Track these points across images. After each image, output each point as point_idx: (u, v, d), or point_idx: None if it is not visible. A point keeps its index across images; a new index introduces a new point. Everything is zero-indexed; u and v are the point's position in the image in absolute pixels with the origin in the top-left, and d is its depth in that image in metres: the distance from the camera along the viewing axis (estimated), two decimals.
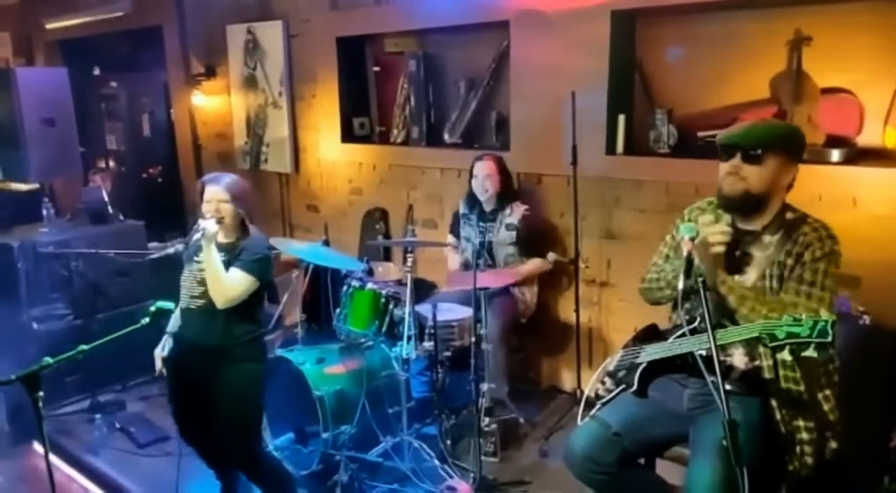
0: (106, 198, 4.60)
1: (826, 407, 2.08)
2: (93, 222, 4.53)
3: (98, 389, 4.19)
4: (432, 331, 3.39)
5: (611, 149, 3.84)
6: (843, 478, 2.17)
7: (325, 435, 3.25)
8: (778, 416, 2.06)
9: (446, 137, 4.61)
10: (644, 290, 2.35)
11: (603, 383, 2.39)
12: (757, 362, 2.07)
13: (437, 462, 3.32)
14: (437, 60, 4.69)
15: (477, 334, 3.33)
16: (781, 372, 2.05)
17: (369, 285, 3.47)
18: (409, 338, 3.24)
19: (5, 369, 2.45)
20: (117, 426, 3.98)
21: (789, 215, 2.11)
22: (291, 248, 3.69)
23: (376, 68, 5.01)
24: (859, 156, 3.22)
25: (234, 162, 5.90)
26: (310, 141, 5.43)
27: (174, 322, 2.91)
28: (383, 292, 3.43)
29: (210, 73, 6.00)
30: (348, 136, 5.11)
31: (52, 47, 7.81)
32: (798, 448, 2.07)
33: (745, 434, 1.72)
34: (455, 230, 4.05)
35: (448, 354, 3.52)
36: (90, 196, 4.64)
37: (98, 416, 3.98)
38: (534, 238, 3.84)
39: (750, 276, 2.07)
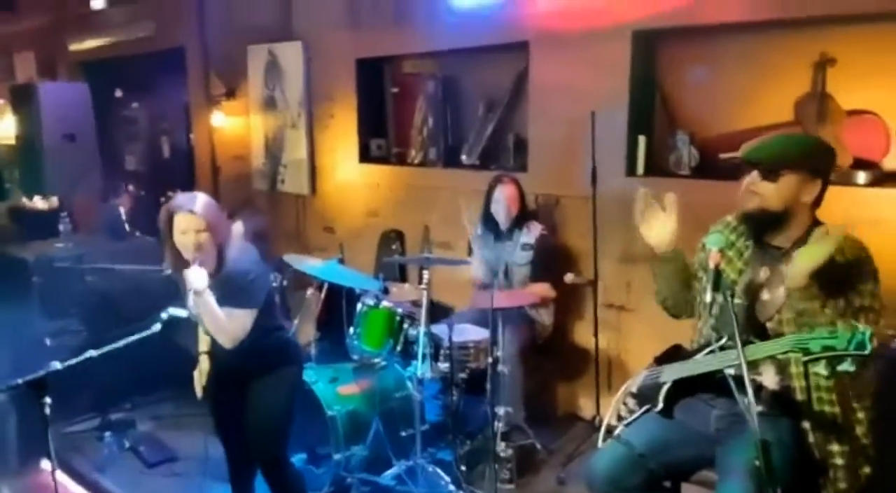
0: (123, 215, 4.61)
1: (859, 431, 1.99)
2: (109, 238, 4.54)
3: (109, 407, 4.15)
4: (448, 352, 3.33)
5: (631, 170, 3.80)
6: None
7: (337, 457, 3.18)
8: (811, 439, 1.97)
9: (464, 158, 4.59)
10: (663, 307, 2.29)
11: (625, 404, 2.31)
12: (788, 383, 1.98)
13: (451, 488, 3.22)
14: (456, 82, 4.69)
15: (493, 355, 3.26)
16: (815, 394, 1.96)
17: (384, 304, 3.42)
18: (423, 357, 3.17)
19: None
20: (126, 444, 3.92)
21: (819, 231, 2.04)
22: (307, 265, 3.65)
23: (395, 89, 5.02)
24: (886, 178, 3.16)
25: (251, 183, 5.91)
26: (327, 162, 5.43)
27: (202, 341, 2.70)
28: (398, 310, 3.38)
29: (230, 94, 6.05)
30: (366, 156, 5.11)
31: (74, 68, 7.93)
32: (832, 473, 1.98)
33: (776, 458, 1.64)
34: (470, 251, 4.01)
35: (464, 376, 3.44)
36: (108, 213, 4.65)
37: (108, 434, 3.93)
38: (549, 259, 3.78)
39: (779, 292, 2.00)
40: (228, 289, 2.50)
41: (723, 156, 3.56)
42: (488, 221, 3.87)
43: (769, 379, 2.00)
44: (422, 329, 3.14)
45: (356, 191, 5.25)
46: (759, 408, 1.77)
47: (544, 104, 4.07)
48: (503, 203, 3.77)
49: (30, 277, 4.19)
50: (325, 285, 4.24)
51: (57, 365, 1.95)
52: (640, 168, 3.81)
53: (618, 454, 2.08)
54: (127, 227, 4.58)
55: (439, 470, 3.28)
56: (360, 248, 5.17)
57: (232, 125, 6.14)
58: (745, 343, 1.73)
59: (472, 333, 3.52)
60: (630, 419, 2.23)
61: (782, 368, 1.99)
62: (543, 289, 3.75)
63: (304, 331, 4.41)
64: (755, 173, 2.05)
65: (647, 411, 2.19)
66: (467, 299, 4.01)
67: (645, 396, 2.23)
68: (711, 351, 2.05)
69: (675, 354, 2.25)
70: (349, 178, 5.23)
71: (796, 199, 2.04)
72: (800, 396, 1.97)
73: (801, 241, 2.03)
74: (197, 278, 2.40)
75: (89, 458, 3.79)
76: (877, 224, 3.02)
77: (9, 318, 3.85)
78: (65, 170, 4.43)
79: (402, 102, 5.00)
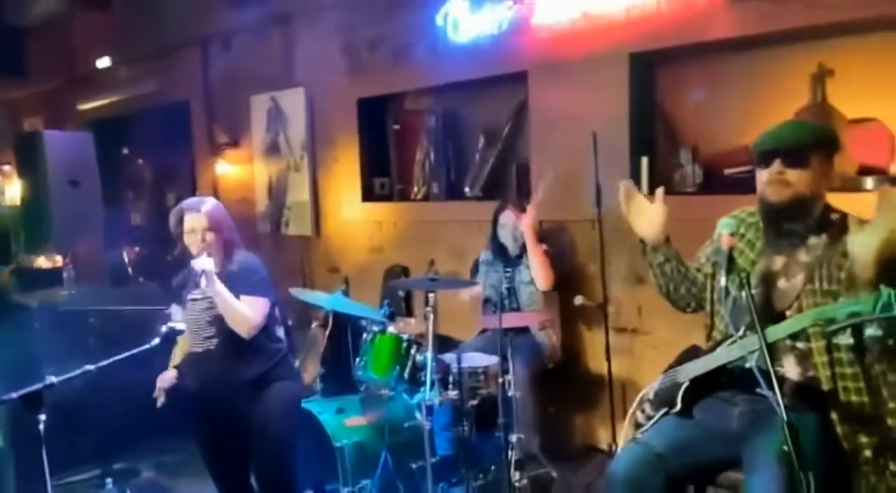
0: (127, 261, 4.59)
1: (891, 421, 1.89)
2: (113, 285, 4.50)
3: (111, 456, 4.03)
4: (457, 377, 3.23)
5: None
6: None
7: (345, 491, 3.05)
8: (840, 431, 1.87)
9: (467, 191, 4.59)
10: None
11: (642, 410, 2.22)
12: (811, 373, 1.89)
13: None
14: (456, 116, 4.72)
15: (504, 379, 3.16)
16: (841, 383, 1.87)
17: (390, 330, 3.35)
18: (432, 383, 3.08)
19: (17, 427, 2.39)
20: (128, 492, 3.80)
21: (833, 216, 1.99)
22: (312, 296, 3.60)
23: (396, 126, 5.06)
24: (893, 183, 3.11)
25: (255, 226, 5.91)
26: (330, 203, 5.44)
27: (177, 358, 2.80)
28: (405, 336, 3.30)
29: (234, 143, 6.11)
30: (369, 195, 5.11)
31: (81, 128, 8.05)
32: (864, 468, 1.87)
33: (806, 442, 1.55)
34: (475, 277, 3.95)
35: (474, 402, 3.33)
36: (111, 259, 4.63)
37: (109, 481, 3.80)
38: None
39: (798, 280, 1.94)
40: (242, 278, 2.62)
41: (728, 171, 3.54)
42: (497, 247, 3.83)
43: (791, 370, 1.91)
44: (429, 354, 3.06)
45: (360, 230, 5.23)
46: (783, 401, 1.67)
47: (545, 131, 4.07)
48: (509, 228, 3.74)
49: (32, 322, 4.13)
50: (330, 321, 4.19)
51: (53, 379, 1.89)
52: (645, 188, 3.77)
53: (636, 455, 1.98)
54: (130, 271, 4.55)
55: None
56: (365, 285, 5.12)
57: (235, 172, 6.18)
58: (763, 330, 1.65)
59: (480, 359, 3.43)
60: (648, 425, 2.14)
61: (804, 358, 1.91)
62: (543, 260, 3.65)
63: (309, 368, 4.33)
64: (778, 163, 2.00)
65: (666, 414, 2.09)
66: (474, 331, 3.94)
67: (662, 399, 2.14)
68: (730, 344, 1.97)
69: (691, 354, 2.17)
70: (353, 217, 5.23)
71: (822, 182, 2.01)
72: (825, 385, 1.87)
73: (816, 227, 1.98)
74: (204, 261, 2.50)
75: None
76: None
77: (10, 361, 3.78)
78: (69, 216, 4.44)
79: (404, 139, 5.03)
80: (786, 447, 1.49)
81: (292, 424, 2.78)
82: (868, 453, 1.87)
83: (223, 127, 6.26)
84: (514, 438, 3.25)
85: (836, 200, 2.11)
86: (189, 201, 2.68)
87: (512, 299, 3.74)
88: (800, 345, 1.90)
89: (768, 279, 2.01)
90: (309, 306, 4.78)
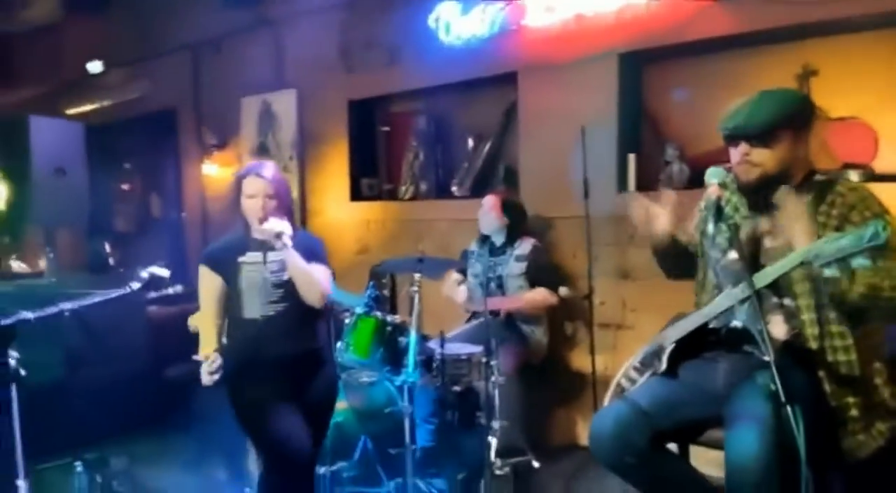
0: (108, 250, 4.53)
1: (878, 381, 1.88)
2: (92, 273, 4.44)
3: (83, 444, 3.93)
4: (440, 365, 3.20)
5: (622, 187, 3.81)
6: None
7: (322, 470, 2.99)
8: (827, 388, 1.85)
9: (454, 190, 4.60)
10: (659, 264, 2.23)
11: (627, 377, 2.20)
12: (799, 332, 1.88)
13: None
14: (446, 118, 4.76)
15: (489, 364, 3.13)
16: (828, 342, 1.86)
17: (374, 312, 3.31)
18: (415, 364, 3.04)
19: None
20: (98, 479, 3.68)
21: (819, 177, 2.01)
22: None
23: (386, 128, 5.08)
24: (877, 178, 3.16)
25: None
26: (318, 203, 5.43)
27: (210, 340, 2.55)
28: (388, 319, 3.27)
29: (222, 145, 6.10)
30: (356, 195, 5.11)
31: None
32: (851, 426, 1.85)
33: (794, 382, 1.54)
34: (462, 268, 3.94)
35: (458, 388, 3.29)
36: (93, 247, 4.58)
37: (79, 464, 3.69)
38: (543, 270, 3.71)
39: (784, 239, 1.94)
40: (306, 247, 2.55)
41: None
42: (482, 237, 3.84)
43: (778, 329, 1.90)
44: (413, 333, 3.02)
45: (347, 229, 5.22)
46: (769, 359, 1.66)
47: (534, 130, 4.11)
48: (485, 210, 3.76)
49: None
50: None
51: (27, 315, 1.84)
52: (632, 186, 3.81)
53: (622, 412, 1.95)
54: (111, 261, 4.49)
55: (434, 489, 3.09)
56: (350, 284, 5.07)
57: (223, 175, 6.16)
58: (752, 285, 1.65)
59: (464, 347, 3.40)
60: (633, 389, 2.12)
61: (791, 316, 1.90)
62: (544, 295, 3.64)
63: None
64: (744, 144, 2.00)
65: (651, 376, 2.08)
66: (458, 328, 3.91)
67: (648, 363, 2.13)
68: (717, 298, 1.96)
69: (678, 319, 2.16)
70: (340, 217, 5.21)
71: (793, 156, 2.00)
72: (812, 344, 1.87)
73: (801, 188, 1.99)
74: (280, 224, 2.42)
75: None
76: None
77: None
78: (53, 204, 4.39)
79: (394, 140, 5.05)
80: (773, 386, 1.48)
81: (335, 395, 2.77)
82: (855, 412, 1.86)
83: (212, 130, 6.25)
84: (496, 424, 3.21)
85: None
86: (251, 165, 2.57)
87: (500, 292, 3.72)
88: (787, 302, 1.90)
89: (755, 240, 2.01)
90: None
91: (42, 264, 5.00)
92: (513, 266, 3.69)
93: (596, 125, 3.74)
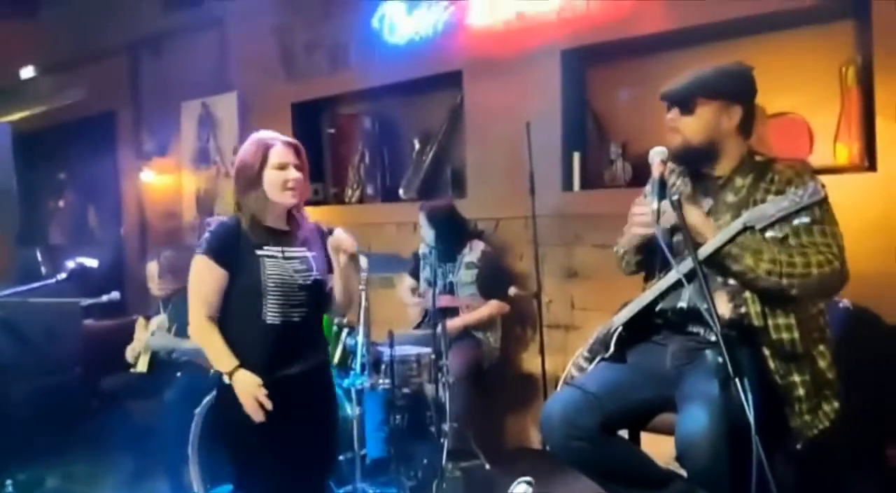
0: (40, 258, 4.34)
1: (822, 363, 1.90)
2: (24, 282, 4.23)
3: (16, 464, 3.73)
4: (389, 366, 3.13)
5: (567, 186, 3.82)
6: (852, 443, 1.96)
7: None
8: (772, 366, 1.86)
9: (401, 193, 4.55)
10: (620, 259, 2.21)
11: (577, 366, 2.18)
12: (743, 309, 1.89)
13: None
14: (392, 120, 4.72)
15: (438, 366, 3.09)
16: (771, 321, 1.88)
17: None
18: (363, 367, 2.97)
19: None
20: None
21: (758, 158, 2.03)
22: None
23: (331, 130, 5.01)
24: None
25: (182, 238, 5.70)
26: None
27: (227, 350, 2.11)
28: (335, 320, 3.19)
29: (162, 151, 5.92)
30: None
31: None
32: (797, 406, 1.87)
33: (741, 355, 1.54)
34: (415, 273, 3.88)
35: (407, 390, 3.23)
36: (24, 256, 4.37)
37: (9, 482, 3.51)
38: (494, 277, 3.69)
39: (725, 220, 1.95)
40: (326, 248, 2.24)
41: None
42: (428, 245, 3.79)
43: (723, 306, 1.90)
44: (361, 334, 2.96)
45: None
46: (714, 339, 1.65)
47: (480, 129, 4.10)
48: (422, 225, 3.73)
49: None
50: None
51: None
52: (577, 184, 3.82)
53: (573, 396, 1.92)
54: (44, 270, 4.29)
55: None
56: None
57: (162, 183, 5.98)
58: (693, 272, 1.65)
59: (413, 348, 3.35)
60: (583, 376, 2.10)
61: (735, 295, 1.91)
62: (497, 307, 3.64)
63: None
64: (675, 110, 2.04)
65: (600, 362, 2.06)
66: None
67: (596, 351, 2.11)
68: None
69: (626, 305, 2.15)
70: None
71: (717, 128, 2.01)
72: (756, 321, 1.88)
73: (741, 169, 2.01)
74: (349, 240, 2.18)
75: None
76: None
77: None
78: None
79: (339, 143, 4.98)
80: (720, 359, 1.47)
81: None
82: (801, 391, 1.87)
83: (151, 136, 6.07)
84: (446, 427, 3.16)
85: None
86: (270, 132, 2.22)
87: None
88: (732, 282, 1.91)
89: None
90: None
91: None
92: (463, 274, 3.66)
93: (540, 123, 3.74)
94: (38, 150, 7.49)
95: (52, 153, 7.60)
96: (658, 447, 2.02)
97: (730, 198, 1.98)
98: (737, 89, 2.04)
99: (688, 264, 1.73)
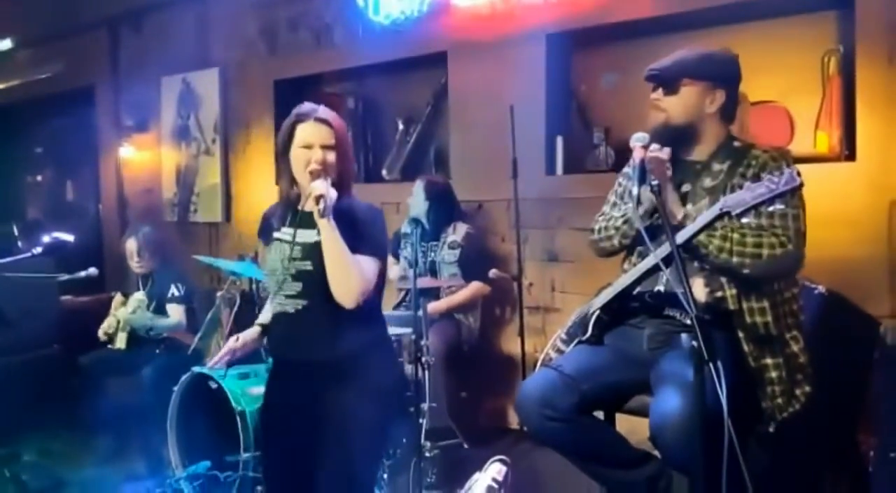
0: (16, 232, 4.28)
1: (795, 348, 1.94)
2: None
3: None
4: None
5: (550, 170, 3.82)
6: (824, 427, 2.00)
7: (245, 456, 2.90)
8: (746, 349, 1.90)
9: (385, 174, 4.53)
10: (594, 242, 2.23)
11: (555, 348, 2.20)
12: (719, 294, 1.92)
13: None
14: (376, 100, 4.69)
15: (418, 345, 3.09)
16: (745, 304, 1.90)
17: None
18: None
19: None
20: (7, 474, 3.48)
21: (737, 144, 2.05)
22: (221, 263, 3.44)
23: None
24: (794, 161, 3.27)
25: (161, 215, 5.65)
26: (242, 188, 5.28)
27: (267, 313, 2.08)
28: None
29: (142, 127, 5.84)
30: None
31: None
32: (770, 389, 1.90)
33: (716, 338, 1.56)
34: (395, 251, 3.88)
35: None
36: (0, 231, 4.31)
37: None
38: (477, 258, 3.70)
39: (703, 204, 1.97)
40: (359, 226, 1.93)
41: None
42: (414, 220, 3.79)
43: (698, 290, 1.93)
44: None
45: None
46: (690, 322, 1.68)
47: (464, 111, 4.09)
48: (415, 196, 3.73)
49: None
50: (237, 300, 4.02)
51: None
52: (560, 168, 3.83)
53: (549, 377, 1.95)
54: (20, 244, 4.24)
55: None
56: None
57: (142, 159, 5.91)
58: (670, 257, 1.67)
59: (394, 329, 3.35)
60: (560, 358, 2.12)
61: (711, 279, 1.94)
62: (477, 288, 3.66)
63: (213, 348, 4.13)
64: (659, 90, 2.06)
65: (578, 344, 2.08)
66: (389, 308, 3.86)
67: (574, 334, 2.13)
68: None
69: (605, 289, 2.17)
70: (266, 201, 5.02)
71: (700, 110, 2.04)
72: (731, 305, 1.91)
73: (719, 154, 2.03)
74: (322, 184, 1.82)
75: None
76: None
77: None
78: None
79: None
80: (695, 343, 1.49)
81: (380, 428, 2.04)
82: (774, 374, 1.91)
83: (131, 111, 5.98)
84: (425, 406, 3.18)
85: None
86: (305, 106, 2.01)
87: (432, 276, 3.69)
88: (707, 267, 1.93)
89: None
90: (216, 287, 4.63)
91: None
92: (446, 253, 3.66)
93: (524, 107, 3.74)
94: (16, 123, 7.39)
95: (30, 127, 7.49)
96: (632, 428, 2.05)
97: (707, 183, 2.00)
98: (722, 73, 2.06)
99: (665, 249, 1.74)
